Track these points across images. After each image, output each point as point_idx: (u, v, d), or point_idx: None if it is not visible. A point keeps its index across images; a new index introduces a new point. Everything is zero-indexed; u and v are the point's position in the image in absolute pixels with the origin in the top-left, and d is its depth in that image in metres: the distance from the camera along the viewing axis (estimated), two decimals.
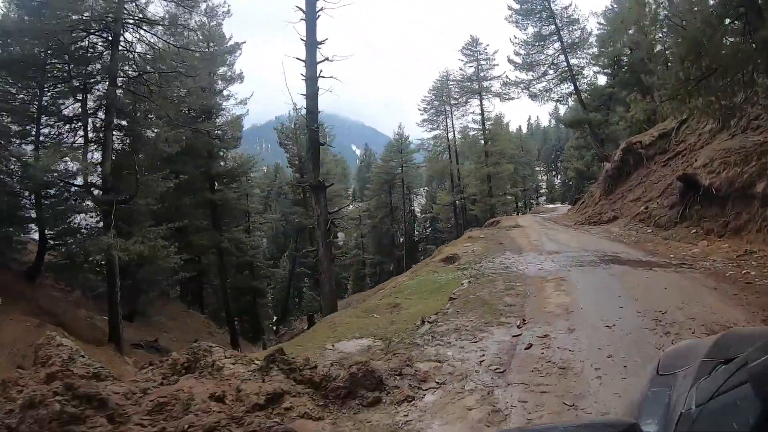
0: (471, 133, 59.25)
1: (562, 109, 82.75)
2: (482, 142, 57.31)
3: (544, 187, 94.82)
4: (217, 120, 39.27)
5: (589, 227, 24.97)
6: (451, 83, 59.38)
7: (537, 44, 44.78)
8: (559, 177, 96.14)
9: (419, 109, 61.40)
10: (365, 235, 66.52)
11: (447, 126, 60.42)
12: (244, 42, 41.01)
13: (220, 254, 38.67)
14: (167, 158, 29.59)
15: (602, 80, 47.83)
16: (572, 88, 43.98)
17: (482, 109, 56.97)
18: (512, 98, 51.51)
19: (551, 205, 62.70)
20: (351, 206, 66.38)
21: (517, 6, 44.43)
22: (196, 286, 41.72)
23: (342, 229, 56.53)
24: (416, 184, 74.48)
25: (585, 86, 45.42)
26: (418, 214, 75.01)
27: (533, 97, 46.10)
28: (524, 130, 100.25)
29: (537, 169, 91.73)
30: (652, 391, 1.37)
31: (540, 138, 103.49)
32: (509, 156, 60.33)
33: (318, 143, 22.66)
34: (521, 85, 46.74)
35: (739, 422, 0.79)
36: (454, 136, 60.04)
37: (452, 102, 59.42)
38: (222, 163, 41.09)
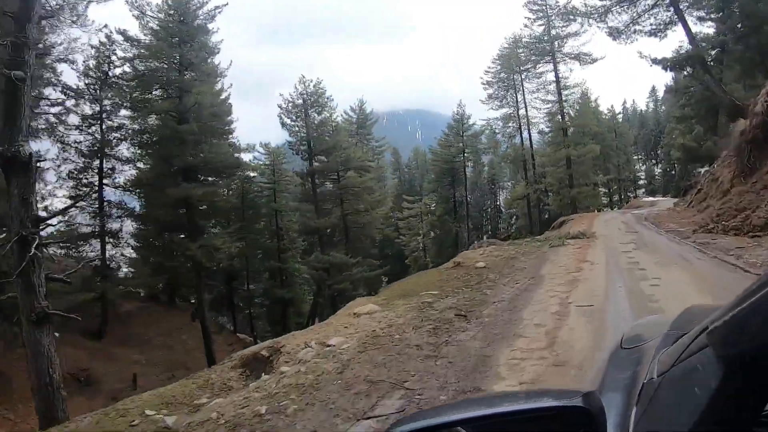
0: (544, 107, 47.19)
1: (659, 84, 72.57)
2: (558, 117, 44.84)
3: (642, 177, 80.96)
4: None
5: (726, 242, 13.21)
6: (521, 50, 47.44)
7: None
8: (659, 166, 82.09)
9: (483, 84, 49.94)
10: (425, 234, 55.33)
11: (517, 102, 48.51)
12: None
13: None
14: None
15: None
16: (671, 11, 30.65)
17: (557, 76, 45.32)
18: (594, 59, 40.03)
19: (650, 198, 52.56)
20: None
21: None
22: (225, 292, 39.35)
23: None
24: (501, 176, 65.39)
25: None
26: (503, 209, 64.67)
27: (614, 34, 32.64)
28: (618, 114, 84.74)
29: (634, 157, 79.33)
30: (614, 364, 1.41)
31: (636, 124, 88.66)
32: (594, 135, 47.62)
33: (15, 77, 10.73)
34: (594, 16, 33.52)
35: (701, 386, 0.79)
36: (527, 114, 48.13)
37: (522, 72, 47.51)
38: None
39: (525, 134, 47.91)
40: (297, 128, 40.15)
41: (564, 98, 44.85)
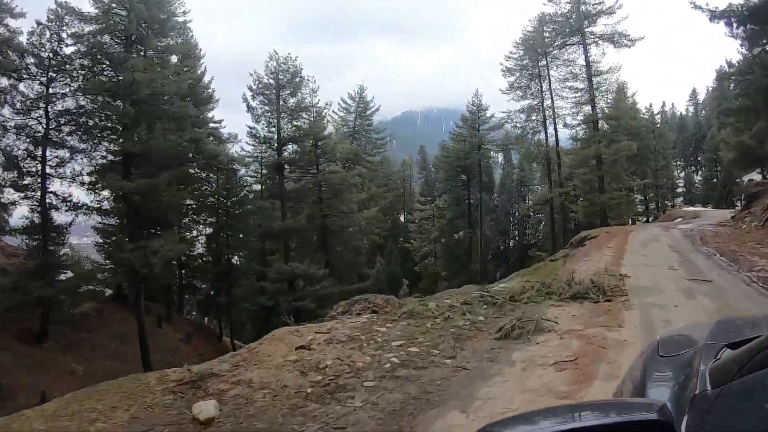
0: (572, 96, 40.14)
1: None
2: (588, 108, 38.02)
3: (681, 185, 73.57)
4: None
5: None
6: (547, 33, 40.43)
7: None
8: (700, 173, 76.04)
9: (503, 70, 42.58)
10: (435, 240, 49.07)
11: (542, 92, 41.57)
12: None
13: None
14: None
15: None
16: None
17: (587, 60, 38.02)
18: (631, 40, 33.76)
19: (691, 208, 47.40)
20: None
21: None
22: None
23: None
24: (532, 178, 58.56)
25: None
26: (532, 214, 56.90)
27: None
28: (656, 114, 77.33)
29: (673, 163, 72.71)
30: (657, 373, 1.42)
31: (675, 128, 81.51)
32: (630, 132, 40.76)
33: None
34: None
35: None
36: (552, 105, 40.98)
37: (548, 55, 40.60)
38: None
39: (550, 129, 40.80)
40: (262, 111, 34.60)
41: (595, 86, 37.71)
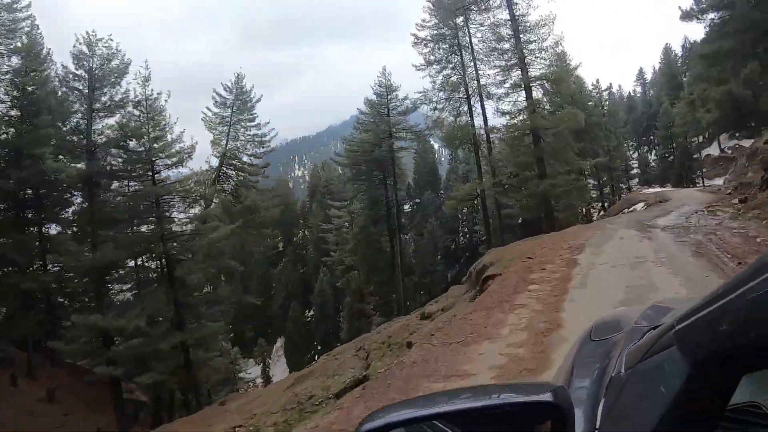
0: (500, 62, 30.62)
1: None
2: (518, 72, 29.00)
3: (635, 165, 67.15)
4: None
5: None
6: None
7: None
8: (654, 152, 72.57)
9: (415, 42, 33.22)
10: (354, 251, 39.44)
11: (463, 63, 32.38)
12: None
13: None
14: None
15: None
16: None
17: (512, 12, 28.84)
18: None
19: (652, 189, 41.21)
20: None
21: None
22: None
23: None
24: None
25: None
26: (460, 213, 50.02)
27: None
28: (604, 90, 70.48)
29: (625, 144, 67.33)
30: (583, 356, 1.42)
31: (624, 109, 77.52)
32: (576, 105, 32.05)
33: None
34: None
35: (666, 384, 0.81)
36: (477, 77, 31.60)
37: (469, 20, 31.53)
38: None
39: (477, 108, 31.61)
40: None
41: (524, 43, 28.70)
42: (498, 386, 1.25)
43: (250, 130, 34.71)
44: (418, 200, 55.80)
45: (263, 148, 35.01)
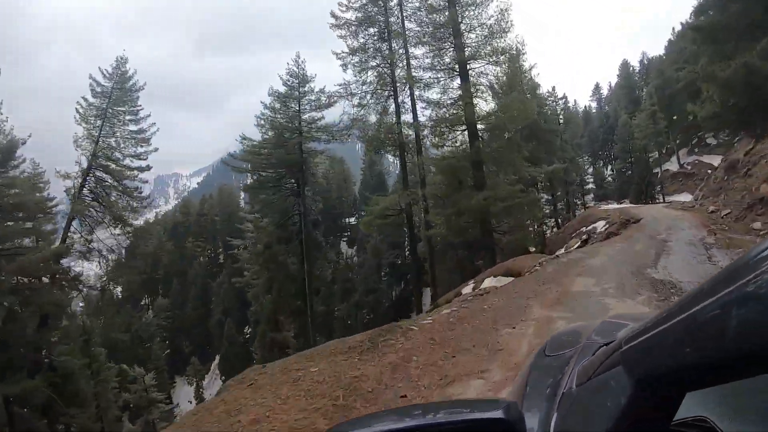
0: (434, 48, 23.64)
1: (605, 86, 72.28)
2: (451, 51, 22.48)
3: (590, 180, 63.34)
4: None
5: None
6: None
7: None
8: (609, 167, 69.03)
9: (335, 25, 26.42)
10: (260, 273, 31.99)
11: (392, 47, 25.99)
12: None
13: None
14: None
15: None
16: None
17: None
18: None
19: (610, 206, 36.48)
20: None
21: None
22: None
23: None
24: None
25: None
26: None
27: None
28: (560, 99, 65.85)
29: (580, 159, 60.65)
30: (536, 372, 1.40)
31: (581, 123, 72.21)
32: (524, 99, 25.68)
33: None
34: None
35: (612, 401, 0.82)
36: (408, 68, 25.06)
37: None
38: None
39: (408, 102, 25.21)
40: None
41: (463, 19, 22.04)
42: (450, 403, 1.28)
43: (129, 126, 27.09)
44: (363, 213, 49.12)
45: (142, 147, 27.43)
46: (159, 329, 50.37)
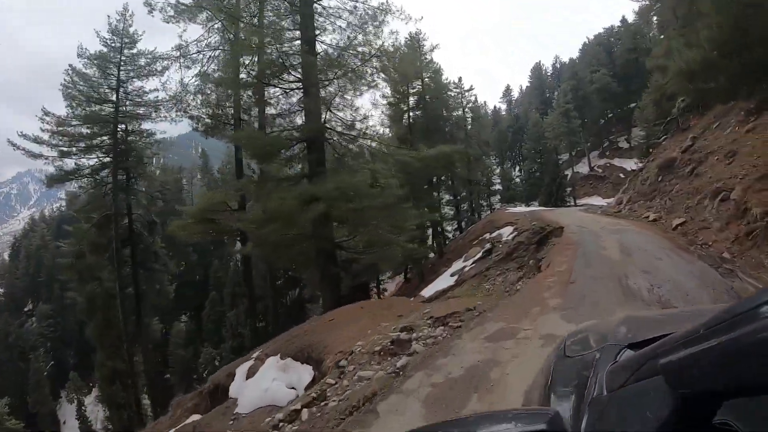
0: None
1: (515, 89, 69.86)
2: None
3: (497, 182, 59.51)
4: None
5: None
6: None
7: None
8: (518, 168, 67.81)
9: None
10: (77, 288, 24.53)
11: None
12: None
13: None
14: None
15: None
16: None
17: None
18: None
19: (519, 209, 34.42)
20: None
21: None
22: None
23: None
24: None
25: None
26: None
27: None
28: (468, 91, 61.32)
29: (486, 160, 56.55)
30: (559, 374, 1.41)
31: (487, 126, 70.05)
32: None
33: None
34: None
35: (652, 411, 0.82)
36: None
37: None
38: None
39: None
40: None
41: None
42: (489, 415, 1.19)
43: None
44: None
45: None
46: (41, 339, 46.58)
